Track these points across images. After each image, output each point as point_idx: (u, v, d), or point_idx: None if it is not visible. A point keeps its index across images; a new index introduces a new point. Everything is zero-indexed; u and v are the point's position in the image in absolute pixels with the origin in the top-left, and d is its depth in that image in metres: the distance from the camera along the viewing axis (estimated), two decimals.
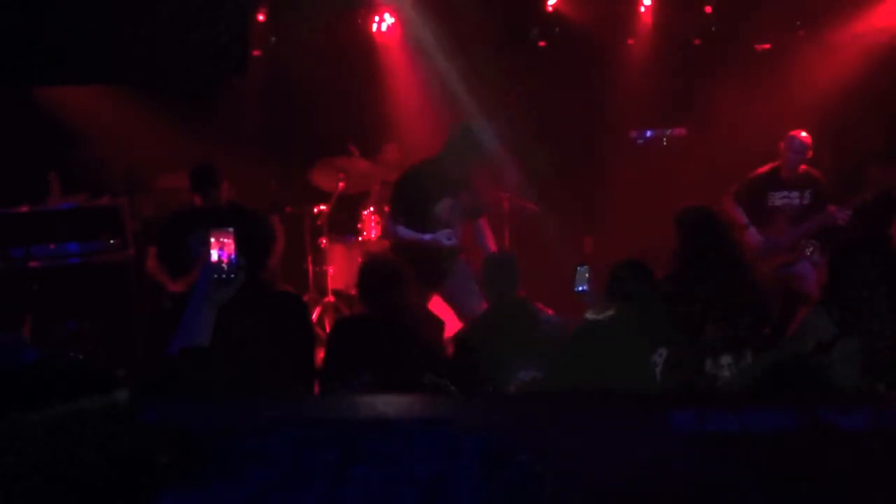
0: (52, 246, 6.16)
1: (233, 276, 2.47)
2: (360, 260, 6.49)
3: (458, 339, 4.49)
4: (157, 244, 5.58)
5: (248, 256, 2.59)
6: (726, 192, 6.22)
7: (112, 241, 6.27)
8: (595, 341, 3.85)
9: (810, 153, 6.08)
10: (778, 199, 6.12)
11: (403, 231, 5.46)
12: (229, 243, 2.47)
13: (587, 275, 4.08)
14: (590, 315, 3.99)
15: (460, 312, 5.51)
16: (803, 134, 6.10)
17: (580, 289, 4.10)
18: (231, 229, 2.48)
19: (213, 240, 2.47)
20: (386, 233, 5.63)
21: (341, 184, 7.22)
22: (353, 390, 3.28)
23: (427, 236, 5.40)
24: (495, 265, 4.57)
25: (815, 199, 6.07)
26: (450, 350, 4.53)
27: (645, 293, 4.08)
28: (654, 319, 3.94)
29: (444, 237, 5.39)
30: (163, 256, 5.38)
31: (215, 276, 2.46)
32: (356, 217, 7.09)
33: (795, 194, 6.10)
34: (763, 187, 6.14)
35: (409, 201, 5.49)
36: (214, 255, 2.46)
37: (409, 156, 7.74)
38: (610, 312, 3.93)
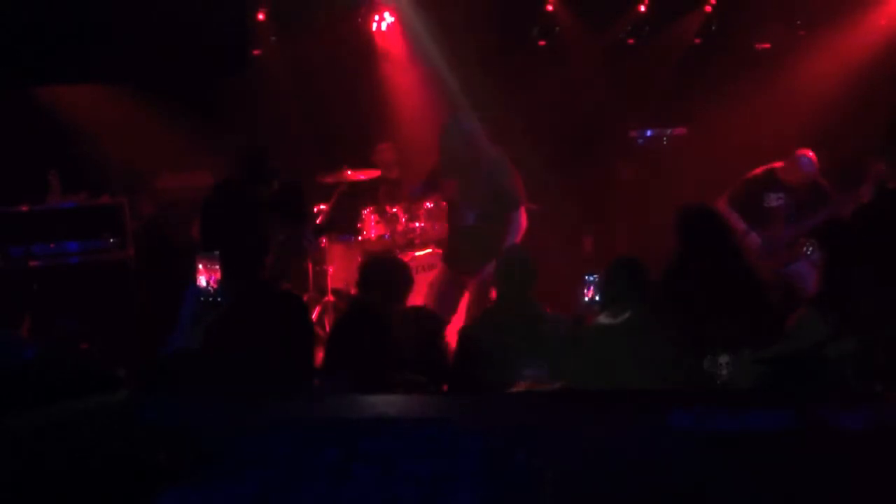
0: (51, 245, 6.17)
1: (219, 299, 2.61)
2: (359, 259, 6.48)
3: (463, 334, 4.46)
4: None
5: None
6: (720, 199, 6.13)
7: (112, 240, 6.28)
8: (607, 343, 3.80)
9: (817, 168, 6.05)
10: (774, 199, 6.08)
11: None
12: (216, 269, 2.59)
13: (596, 285, 3.86)
14: (603, 318, 3.93)
15: None
16: (810, 154, 6.04)
17: (589, 300, 3.88)
18: (217, 255, 2.63)
19: (200, 266, 2.60)
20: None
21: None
22: (331, 389, 3.29)
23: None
24: (513, 260, 4.43)
25: (814, 196, 6.01)
26: (453, 345, 4.51)
27: (639, 293, 4.05)
28: (651, 319, 3.92)
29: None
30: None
31: (202, 299, 2.59)
32: (356, 216, 7.08)
33: (792, 195, 6.07)
34: (760, 189, 6.09)
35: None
36: (203, 281, 2.59)
37: (405, 154, 7.75)
38: (625, 315, 3.88)
